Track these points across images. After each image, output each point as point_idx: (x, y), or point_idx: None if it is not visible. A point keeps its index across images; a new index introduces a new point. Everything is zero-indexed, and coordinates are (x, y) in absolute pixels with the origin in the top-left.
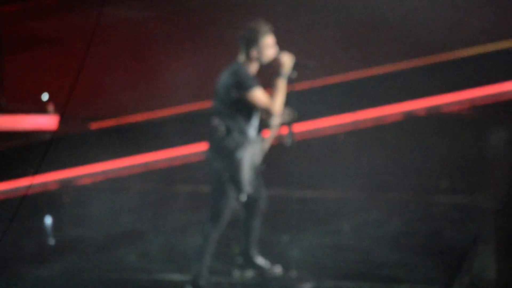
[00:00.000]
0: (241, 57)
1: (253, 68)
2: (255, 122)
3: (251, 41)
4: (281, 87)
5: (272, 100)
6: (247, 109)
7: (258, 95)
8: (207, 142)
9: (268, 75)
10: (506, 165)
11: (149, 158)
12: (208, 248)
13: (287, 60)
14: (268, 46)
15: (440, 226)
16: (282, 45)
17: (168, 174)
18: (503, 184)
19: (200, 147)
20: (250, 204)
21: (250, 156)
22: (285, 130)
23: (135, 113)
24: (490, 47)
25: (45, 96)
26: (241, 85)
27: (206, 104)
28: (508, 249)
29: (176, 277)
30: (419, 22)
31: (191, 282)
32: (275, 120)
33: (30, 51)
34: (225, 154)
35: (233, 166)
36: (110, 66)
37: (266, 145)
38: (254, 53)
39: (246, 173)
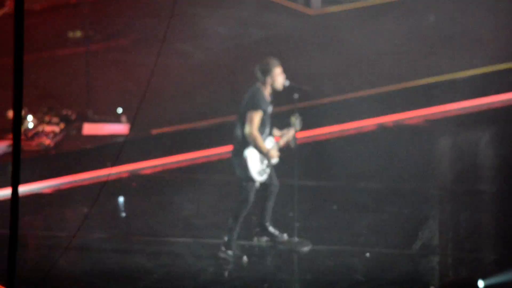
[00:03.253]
0: (259, 83)
1: (267, 91)
2: (266, 130)
3: (267, 71)
4: (261, 148)
5: (254, 131)
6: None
7: (251, 116)
8: (232, 145)
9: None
10: (449, 162)
11: (194, 155)
12: (239, 219)
13: (275, 154)
14: (278, 74)
15: (402, 205)
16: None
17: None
18: (447, 176)
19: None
20: (264, 189)
21: (257, 153)
22: (293, 136)
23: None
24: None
25: (119, 110)
26: (250, 103)
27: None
28: (448, 218)
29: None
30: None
31: (225, 241)
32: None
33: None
34: (239, 154)
35: (244, 162)
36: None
37: (278, 146)
38: (268, 80)
39: (254, 167)
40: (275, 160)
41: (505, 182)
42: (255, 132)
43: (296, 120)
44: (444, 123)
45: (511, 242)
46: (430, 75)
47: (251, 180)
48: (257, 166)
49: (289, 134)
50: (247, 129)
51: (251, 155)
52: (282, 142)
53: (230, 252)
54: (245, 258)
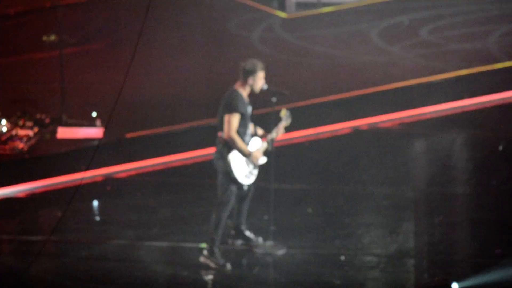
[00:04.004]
0: (238, 83)
1: (246, 91)
2: (248, 131)
3: (251, 72)
4: (243, 150)
5: (232, 133)
6: (241, 122)
7: (228, 119)
8: (215, 147)
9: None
10: (423, 165)
11: (166, 159)
12: (221, 225)
13: (258, 155)
14: (261, 78)
15: (377, 208)
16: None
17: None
18: (421, 178)
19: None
20: (241, 193)
21: (241, 156)
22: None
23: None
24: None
25: (94, 114)
26: (227, 106)
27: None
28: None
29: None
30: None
31: (208, 248)
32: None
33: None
34: (222, 157)
35: (228, 165)
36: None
37: (262, 148)
38: (250, 81)
39: (239, 170)
40: (262, 160)
41: (479, 184)
42: (234, 134)
43: (286, 114)
44: (419, 126)
45: (486, 244)
46: (404, 78)
47: (235, 183)
48: (243, 169)
49: (280, 129)
50: (225, 132)
51: (236, 158)
52: (275, 135)
53: (213, 259)
54: (228, 266)
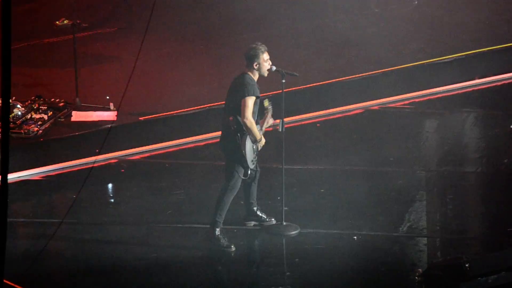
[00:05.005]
0: (247, 69)
1: (255, 77)
2: (256, 117)
3: (254, 56)
4: (256, 135)
5: (249, 116)
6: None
7: (245, 102)
8: (221, 132)
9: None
10: (435, 144)
11: (179, 142)
12: (225, 207)
13: (263, 143)
14: (266, 60)
15: (389, 187)
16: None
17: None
18: (433, 158)
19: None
20: (251, 175)
21: (251, 142)
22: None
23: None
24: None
25: (107, 97)
26: (242, 89)
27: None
28: (435, 200)
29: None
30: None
31: (214, 230)
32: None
33: (97, 65)
34: (233, 141)
35: (239, 150)
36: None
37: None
38: (256, 65)
39: (248, 154)
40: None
41: (490, 163)
42: (251, 118)
43: (269, 104)
44: (429, 106)
45: (497, 223)
46: (414, 59)
47: (245, 167)
48: (251, 155)
49: (268, 120)
50: (242, 116)
51: (248, 144)
52: (264, 128)
53: (219, 241)
54: (233, 247)
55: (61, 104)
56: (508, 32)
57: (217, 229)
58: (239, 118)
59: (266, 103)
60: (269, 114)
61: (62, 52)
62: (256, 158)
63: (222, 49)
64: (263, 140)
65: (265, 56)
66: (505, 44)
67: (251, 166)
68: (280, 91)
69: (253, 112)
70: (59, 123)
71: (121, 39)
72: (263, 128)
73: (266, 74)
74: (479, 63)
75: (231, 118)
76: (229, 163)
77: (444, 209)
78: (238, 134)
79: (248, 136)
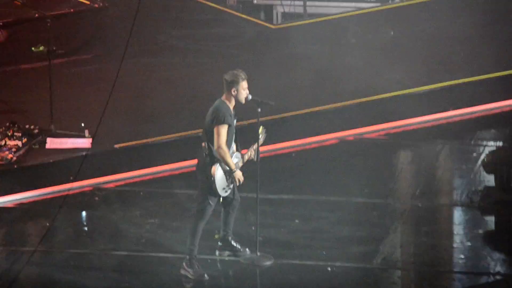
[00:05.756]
0: (224, 95)
1: (232, 103)
2: (232, 145)
3: (233, 82)
4: (229, 164)
5: (221, 144)
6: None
7: (218, 130)
8: (197, 159)
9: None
10: (409, 176)
11: (154, 170)
12: (197, 235)
13: (238, 175)
14: (244, 88)
15: (363, 219)
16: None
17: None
18: (407, 190)
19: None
20: (227, 203)
21: (223, 170)
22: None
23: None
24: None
25: (82, 124)
26: (217, 117)
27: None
28: (410, 237)
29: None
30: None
31: (187, 259)
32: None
33: (72, 92)
34: (205, 169)
35: (210, 178)
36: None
37: (243, 160)
38: (234, 92)
39: (219, 183)
40: (240, 178)
41: (465, 195)
42: (224, 146)
43: (263, 131)
44: (404, 137)
45: (471, 256)
46: (390, 89)
47: (214, 195)
48: (223, 183)
49: (254, 146)
50: (215, 144)
51: (218, 171)
52: (247, 156)
53: (191, 271)
54: (206, 276)
55: (36, 131)
56: (482, 64)
57: (190, 258)
58: (210, 145)
59: (260, 130)
60: (257, 144)
61: (38, 78)
62: (230, 186)
63: (199, 77)
64: (238, 173)
65: (244, 84)
66: (479, 76)
67: (223, 194)
68: (255, 120)
69: (228, 140)
70: (33, 150)
71: (97, 65)
72: (245, 158)
73: (243, 102)
74: (454, 94)
75: (203, 144)
76: (200, 189)
77: (418, 241)
78: (208, 160)
79: (219, 163)
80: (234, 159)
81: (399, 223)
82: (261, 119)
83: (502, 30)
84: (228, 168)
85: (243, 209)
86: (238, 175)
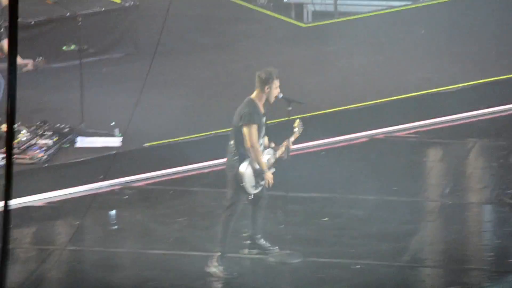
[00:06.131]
0: (255, 93)
1: (262, 101)
2: (260, 141)
3: (266, 80)
4: (261, 164)
5: (254, 143)
6: None
7: (248, 130)
8: (226, 158)
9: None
10: (439, 174)
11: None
12: (227, 232)
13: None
14: (276, 87)
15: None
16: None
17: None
18: (437, 188)
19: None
20: (255, 201)
21: (252, 167)
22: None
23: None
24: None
25: (112, 123)
26: (244, 117)
27: None
28: (440, 235)
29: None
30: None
31: (217, 256)
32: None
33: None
34: (233, 167)
35: (239, 175)
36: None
37: (275, 156)
38: (266, 89)
39: (248, 181)
40: (272, 169)
41: (494, 193)
42: (256, 145)
43: (299, 124)
44: (434, 136)
45: (500, 254)
46: (421, 88)
47: (244, 193)
48: (251, 180)
49: (287, 142)
50: (248, 143)
51: (247, 169)
52: (280, 152)
53: (221, 267)
54: (235, 274)
55: (66, 129)
56: None
57: (220, 256)
58: (238, 143)
59: (297, 123)
60: (292, 138)
61: (68, 77)
62: (260, 183)
63: (230, 76)
64: (269, 174)
65: (277, 82)
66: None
67: (252, 191)
68: (286, 118)
69: (257, 138)
70: (63, 149)
71: (128, 64)
72: (278, 154)
73: (272, 101)
74: (485, 93)
75: (231, 142)
76: (229, 188)
77: (448, 239)
78: (236, 158)
79: (248, 161)
80: (266, 156)
81: (429, 220)
82: (291, 117)
83: None
84: (258, 167)
85: (272, 207)
86: (269, 176)
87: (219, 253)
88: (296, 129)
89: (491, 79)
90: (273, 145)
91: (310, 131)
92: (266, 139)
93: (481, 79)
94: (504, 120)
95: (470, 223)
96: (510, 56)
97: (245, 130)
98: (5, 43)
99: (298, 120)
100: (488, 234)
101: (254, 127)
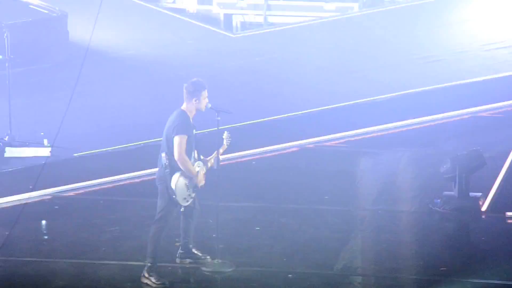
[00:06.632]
0: (184, 104)
1: (192, 113)
2: (193, 153)
3: (195, 91)
4: (191, 171)
5: (183, 154)
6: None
7: (178, 141)
8: (157, 168)
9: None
10: (370, 183)
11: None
12: (158, 243)
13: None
14: (204, 97)
15: (324, 225)
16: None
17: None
18: (368, 197)
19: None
20: (187, 212)
21: (184, 180)
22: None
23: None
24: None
25: (41, 133)
26: (176, 128)
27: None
28: (370, 244)
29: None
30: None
31: (148, 266)
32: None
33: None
34: (165, 179)
35: (170, 188)
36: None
37: (206, 168)
38: (195, 101)
39: (180, 193)
40: (201, 183)
41: (424, 202)
42: (184, 156)
43: (227, 136)
44: (364, 145)
45: (431, 262)
46: (350, 98)
47: (175, 205)
48: (183, 192)
49: (216, 153)
50: (176, 154)
51: (178, 181)
52: (209, 163)
53: (152, 279)
54: (167, 283)
55: None
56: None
57: (151, 266)
58: (170, 155)
59: (225, 135)
60: (221, 149)
61: None
62: (191, 196)
63: (159, 85)
64: (200, 176)
65: (205, 93)
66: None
67: (183, 203)
68: (215, 128)
69: (189, 149)
70: None
71: (56, 73)
72: (208, 165)
73: (203, 110)
74: (414, 102)
75: (163, 154)
76: (160, 199)
77: (379, 248)
78: (168, 170)
79: (179, 173)
80: (196, 168)
81: (360, 229)
82: (220, 127)
83: None
84: (188, 178)
85: (204, 216)
86: (200, 177)
87: (149, 264)
88: (224, 141)
89: (419, 89)
90: (202, 157)
91: (241, 141)
92: (195, 152)
93: (408, 90)
94: (432, 129)
95: (400, 231)
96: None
97: (175, 140)
98: None
99: (226, 132)
100: (418, 242)
101: (185, 138)
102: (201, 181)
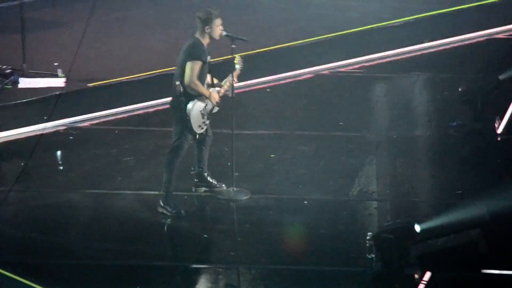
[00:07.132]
0: (197, 33)
1: (206, 41)
2: (206, 81)
3: (207, 20)
4: (203, 93)
5: (194, 79)
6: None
7: (191, 66)
8: (171, 97)
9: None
10: (384, 108)
11: (128, 108)
12: (173, 172)
13: (216, 97)
14: (218, 25)
15: (339, 152)
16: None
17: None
18: (383, 122)
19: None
20: (201, 140)
21: (198, 107)
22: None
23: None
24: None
25: (55, 64)
26: (190, 53)
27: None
28: (386, 169)
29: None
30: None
31: (163, 196)
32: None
33: (45, 31)
34: (179, 107)
35: (184, 115)
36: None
37: (219, 93)
38: (208, 29)
39: (195, 120)
40: (216, 108)
41: (439, 126)
42: (195, 80)
43: (239, 60)
44: (379, 70)
45: (446, 186)
46: (364, 23)
47: (190, 133)
48: (198, 120)
49: (230, 79)
50: (187, 79)
51: (193, 108)
52: (223, 90)
53: (168, 208)
54: (183, 212)
55: (8, 70)
56: None
57: (167, 195)
58: (184, 80)
59: (237, 60)
60: (235, 73)
61: (9, 18)
62: (205, 123)
63: (171, 14)
64: (214, 94)
65: (218, 21)
66: (454, 7)
67: (198, 131)
68: (230, 56)
69: (202, 76)
70: (6, 90)
71: (69, 4)
72: (221, 91)
73: (218, 38)
74: (428, 26)
75: (177, 83)
76: (175, 127)
77: (394, 173)
78: (183, 99)
79: (195, 101)
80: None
81: (375, 155)
82: (235, 55)
83: None
84: (203, 105)
85: (219, 144)
86: (215, 97)
87: (164, 193)
88: (237, 66)
89: (434, 13)
90: (216, 81)
91: (255, 68)
92: (209, 77)
93: (425, 13)
94: (447, 54)
95: (415, 156)
96: None
97: (189, 65)
98: None
99: (237, 56)
100: (434, 166)
101: (198, 64)
102: (214, 98)
